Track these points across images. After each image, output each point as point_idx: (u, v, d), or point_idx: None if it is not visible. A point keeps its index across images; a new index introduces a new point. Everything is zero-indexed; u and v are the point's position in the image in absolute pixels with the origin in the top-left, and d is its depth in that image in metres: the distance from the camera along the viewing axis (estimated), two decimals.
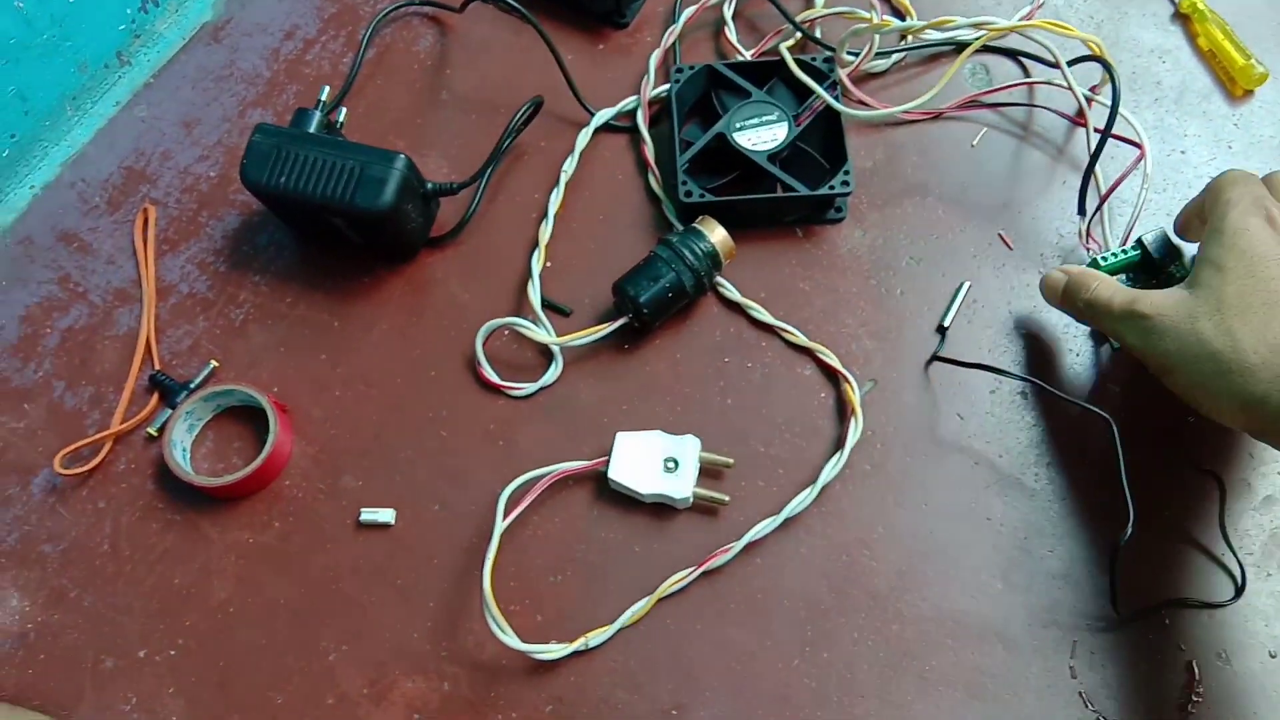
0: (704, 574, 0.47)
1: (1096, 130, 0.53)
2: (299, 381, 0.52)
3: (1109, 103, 0.52)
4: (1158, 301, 0.43)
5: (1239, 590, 0.46)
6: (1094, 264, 0.51)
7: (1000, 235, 0.55)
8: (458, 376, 0.52)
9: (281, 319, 0.54)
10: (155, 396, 0.52)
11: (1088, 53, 0.54)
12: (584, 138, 0.58)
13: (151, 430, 0.51)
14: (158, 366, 0.53)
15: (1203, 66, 0.59)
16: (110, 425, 0.51)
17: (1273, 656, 0.45)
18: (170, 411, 0.51)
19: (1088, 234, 0.52)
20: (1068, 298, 0.47)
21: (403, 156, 0.50)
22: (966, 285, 0.53)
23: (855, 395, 0.50)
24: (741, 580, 0.47)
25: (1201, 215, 0.46)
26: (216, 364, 0.53)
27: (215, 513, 0.49)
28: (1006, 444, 0.50)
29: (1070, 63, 0.54)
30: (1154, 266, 0.51)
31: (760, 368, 0.52)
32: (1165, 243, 0.51)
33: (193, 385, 0.52)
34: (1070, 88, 0.55)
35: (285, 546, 0.49)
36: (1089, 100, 0.56)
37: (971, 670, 0.45)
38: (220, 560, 0.48)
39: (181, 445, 0.50)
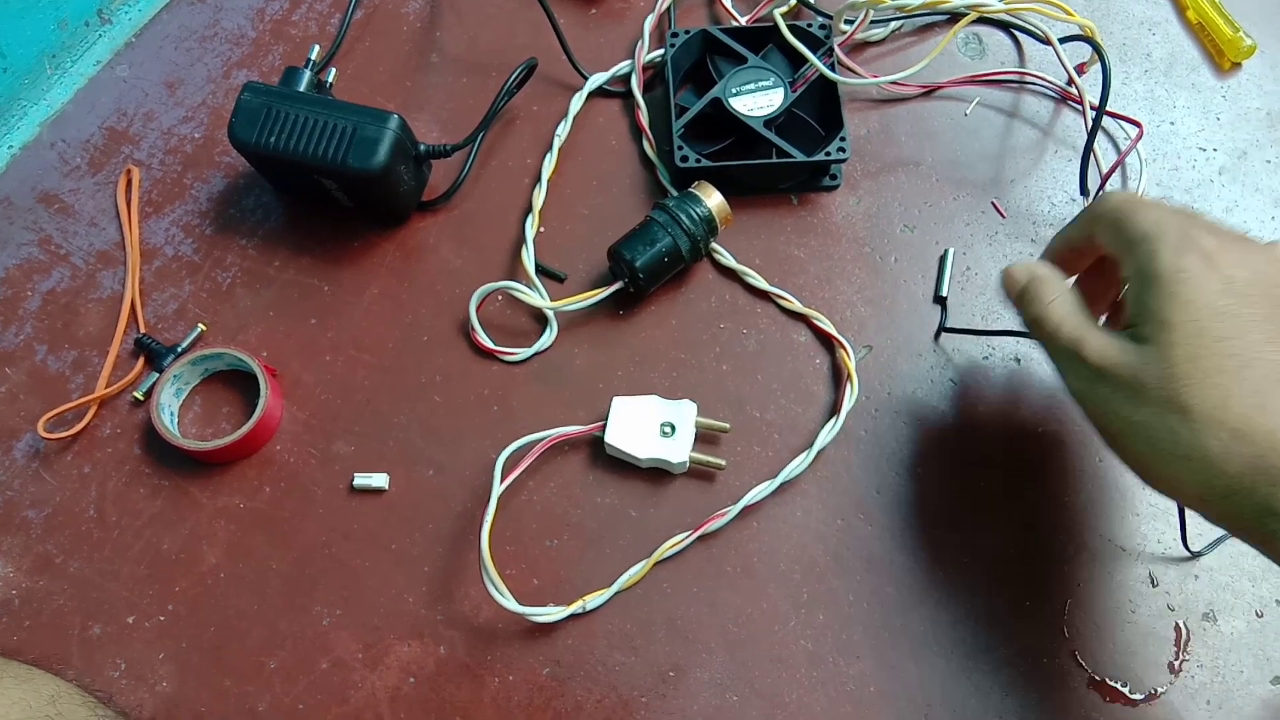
0: (700, 538, 0.47)
1: (1093, 108, 0.53)
2: (288, 346, 0.52)
3: (1099, 79, 0.52)
4: (1104, 348, 0.37)
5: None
6: None
7: (993, 204, 0.55)
8: (450, 342, 0.52)
9: (270, 283, 0.53)
10: (141, 360, 0.51)
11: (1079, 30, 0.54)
12: (577, 102, 0.57)
13: (137, 394, 0.50)
14: (143, 330, 0.52)
15: (1191, 39, 0.60)
16: (95, 389, 0.50)
17: (1259, 616, 0.46)
18: (156, 375, 0.50)
19: None
20: (1023, 301, 0.42)
21: (396, 116, 0.49)
22: (951, 252, 0.53)
23: (850, 361, 0.50)
24: (738, 544, 0.47)
25: (1085, 246, 0.41)
26: (204, 327, 0.52)
27: (204, 478, 0.49)
28: (1002, 409, 0.50)
29: (1063, 40, 0.54)
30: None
31: (755, 334, 0.52)
32: None
33: (180, 348, 0.51)
34: (1066, 70, 0.55)
35: (277, 512, 0.48)
36: (1079, 70, 0.56)
37: (966, 631, 0.46)
38: (210, 525, 0.48)
39: (169, 409, 0.49)
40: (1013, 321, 0.52)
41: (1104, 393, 0.37)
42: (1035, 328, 0.41)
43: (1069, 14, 0.53)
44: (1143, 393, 0.36)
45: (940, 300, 0.52)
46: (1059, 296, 0.40)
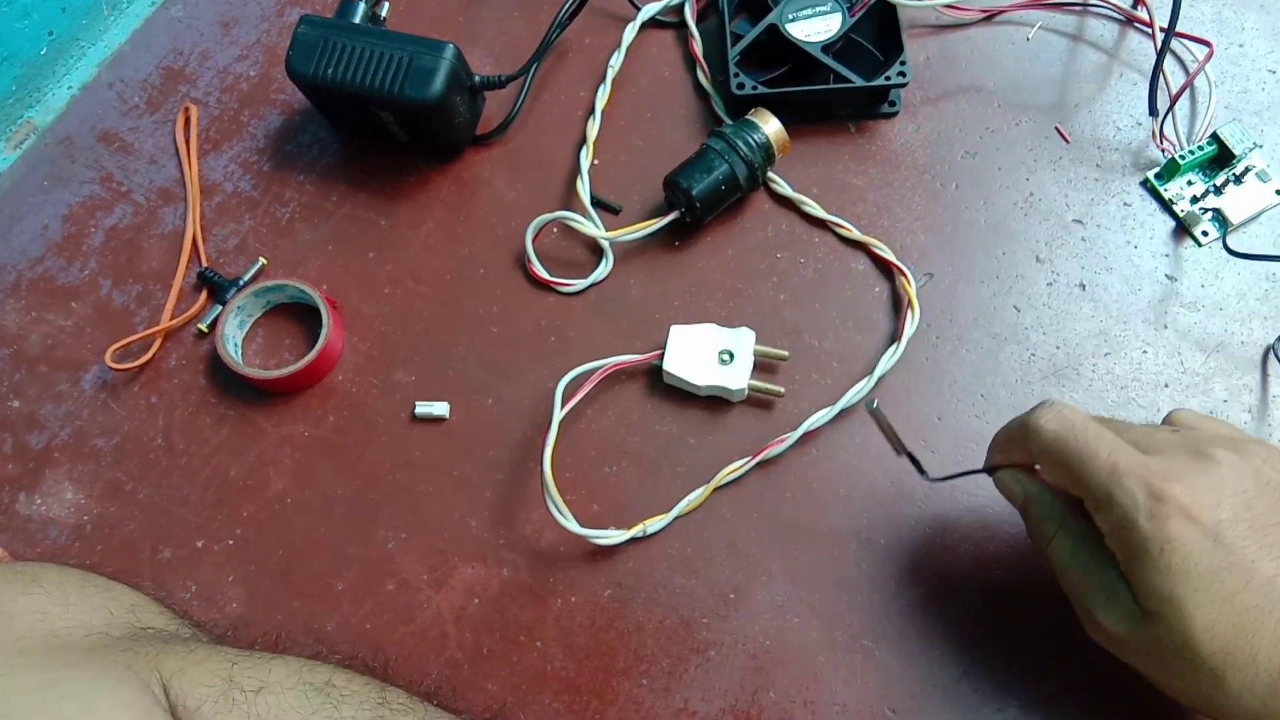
0: (760, 464, 0.47)
1: (1162, 29, 0.52)
2: (348, 279, 0.52)
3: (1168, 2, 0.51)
4: (1117, 625, 0.35)
5: None
6: (1171, 164, 0.51)
7: (1057, 129, 0.54)
8: (507, 274, 0.52)
9: (328, 217, 0.53)
10: (204, 293, 0.52)
11: None
12: (630, 33, 0.57)
13: (202, 326, 0.51)
14: (205, 264, 0.52)
15: None
16: (160, 322, 0.51)
17: None
18: (220, 308, 0.51)
19: (1161, 134, 0.51)
20: (1025, 520, 0.40)
21: (451, 46, 0.49)
22: (877, 401, 0.44)
23: (911, 288, 0.50)
24: (797, 470, 0.47)
25: (1022, 439, 0.38)
26: (265, 261, 0.52)
27: (269, 407, 0.49)
28: (1063, 336, 0.49)
29: None
30: (1228, 159, 0.51)
31: (813, 263, 0.52)
32: (1242, 136, 0.50)
33: (242, 281, 0.51)
34: None
35: (341, 439, 0.49)
36: (1136, 3, 0.54)
37: (1030, 555, 0.45)
38: (275, 453, 0.48)
39: (233, 340, 0.50)
40: (1064, 252, 0.51)
41: (1129, 657, 0.37)
42: (1042, 558, 0.39)
43: None
44: (1168, 665, 0.35)
45: (905, 454, 0.43)
46: (1055, 534, 0.38)
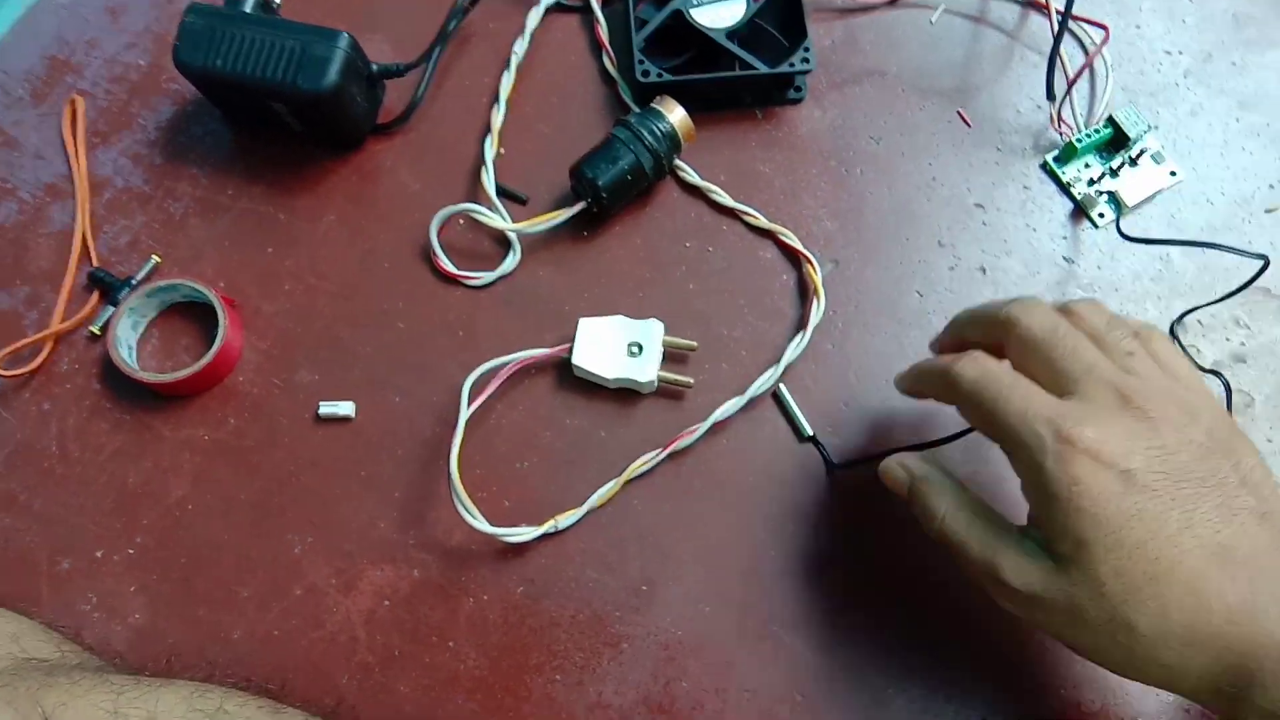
0: (670, 456, 0.47)
1: (1058, 13, 0.52)
2: (245, 276, 0.51)
3: None
4: (1025, 574, 0.35)
5: None
6: (1069, 147, 0.52)
7: (959, 113, 0.54)
8: (412, 267, 0.51)
9: (224, 212, 0.52)
10: (96, 294, 0.50)
11: None
12: (534, 18, 0.56)
13: (94, 329, 0.49)
14: (96, 263, 0.50)
15: None
16: (50, 324, 0.49)
17: None
18: (113, 309, 0.49)
19: (1059, 118, 0.52)
20: (913, 508, 0.40)
21: (346, 35, 0.48)
22: (784, 388, 0.48)
23: (817, 275, 0.50)
24: (707, 460, 0.48)
25: (943, 384, 0.39)
26: (158, 259, 0.50)
27: (166, 411, 0.48)
28: None
29: None
30: (1123, 142, 0.52)
31: (722, 251, 0.52)
32: (1136, 119, 0.51)
33: (135, 281, 0.50)
34: None
35: (242, 442, 0.47)
36: None
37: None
38: (175, 458, 0.47)
39: (127, 343, 0.48)
40: (966, 236, 0.52)
41: (1040, 616, 0.35)
42: (937, 542, 0.39)
43: None
44: (1081, 616, 0.34)
45: (811, 440, 0.48)
46: (949, 508, 0.38)
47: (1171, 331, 0.49)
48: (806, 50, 0.52)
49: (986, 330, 0.40)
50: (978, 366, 0.37)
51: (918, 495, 0.40)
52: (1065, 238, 0.52)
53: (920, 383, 0.43)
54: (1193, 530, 0.33)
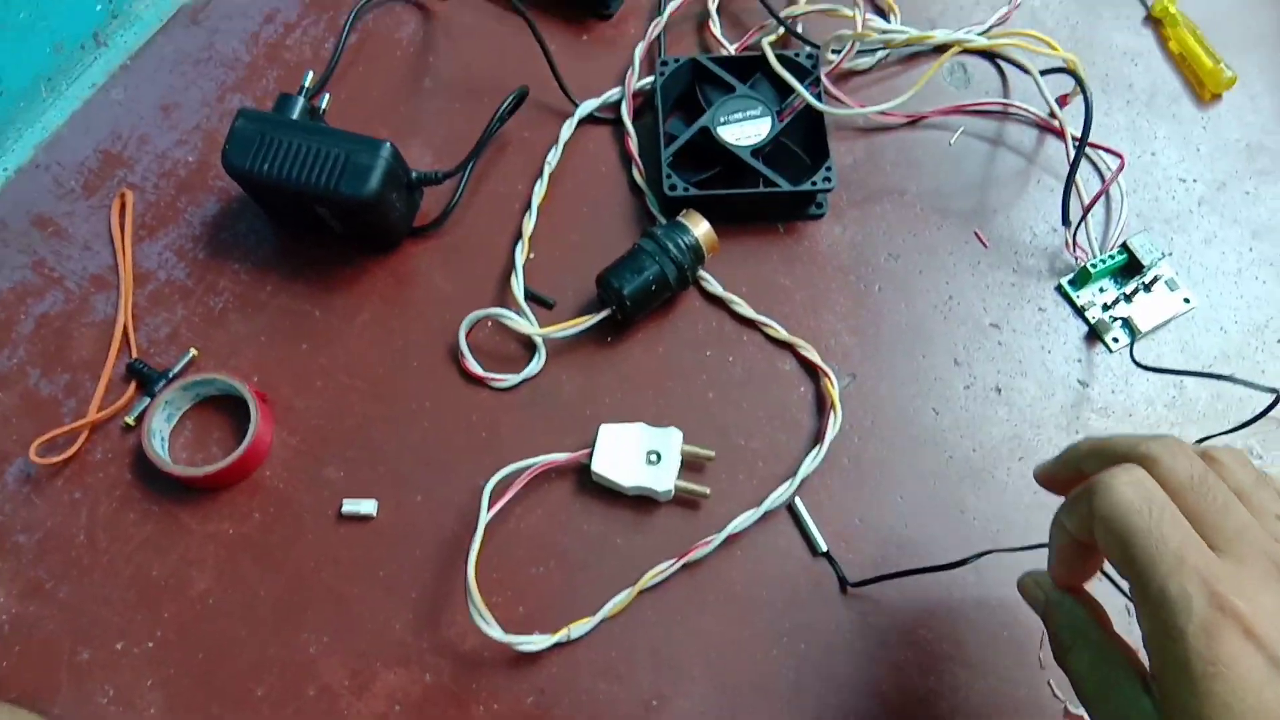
0: (685, 566, 0.48)
1: (1075, 139, 0.54)
2: (280, 372, 0.52)
3: (1082, 110, 0.53)
4: None
5: None
6: (1083, 272, 0.53)
7: (976, 234, 0.56)
8: (441, 368, 0.52)
9: (262, 308, 0.54)
10: (133, 385, 0.52)
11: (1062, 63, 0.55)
12: (568, 129, 0.58)
13: (129, 419, 0.50)
14: (135, 354, 0.52)
15: (1173, 69, 0.61)
16: (86, 414, 0.50)
17: None
18: (148, 400, 0.50)
19: (1074, 242, 0.54)
20: (1046, 626, 0.38)
21: (388, 144, 0.50)
22: (800, 501, 0.49)
23: (834, 390, 0.51)
24: (722, 572, 0.48)
25: (1088, 541, 0.34)
26: (196, 352, 0.52)
27: (194, 503, 0.49)
28: (979, 439, 0.51)
29: (1045, 72, 0.55)
30: (1137, 268, 0.53)
31: (742, 362, 0.53)
32: (1151, 246, 0.52)
33: (171, 374, 0.51)
34: (1047, 102, 0.56)
35: (266, 538, 0.48)
36: (1061, 103, 0.57)
37: (945, 660, 0.46)
38: (199, 551, 0.48)
39: (160, 434, 0.50)
40: (981, 356, 0.53)
41: None
42: (1061, 666, 0.37)
43: (1053, 47, 0.54)
44: None
45: (825, 556, 0.48)
46: (1076, 643, 0.36)
47: None
48: (829, 169, 0.54)
49: (1113, 465, 0.34)
50: (1141, 488, 0.32)
51: (1050, 620, 0.37)
52: (1080, 361, 0.53)
53: (1064, 473, 0.38)
54: None
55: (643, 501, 0.49)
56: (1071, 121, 0.56)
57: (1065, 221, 0.53)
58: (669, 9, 0.60)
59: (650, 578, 0.47)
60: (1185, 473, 0.33)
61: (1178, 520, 0.31)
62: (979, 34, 0.58)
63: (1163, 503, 0.32)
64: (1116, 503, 0.32)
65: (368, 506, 0.49)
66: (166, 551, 0.48)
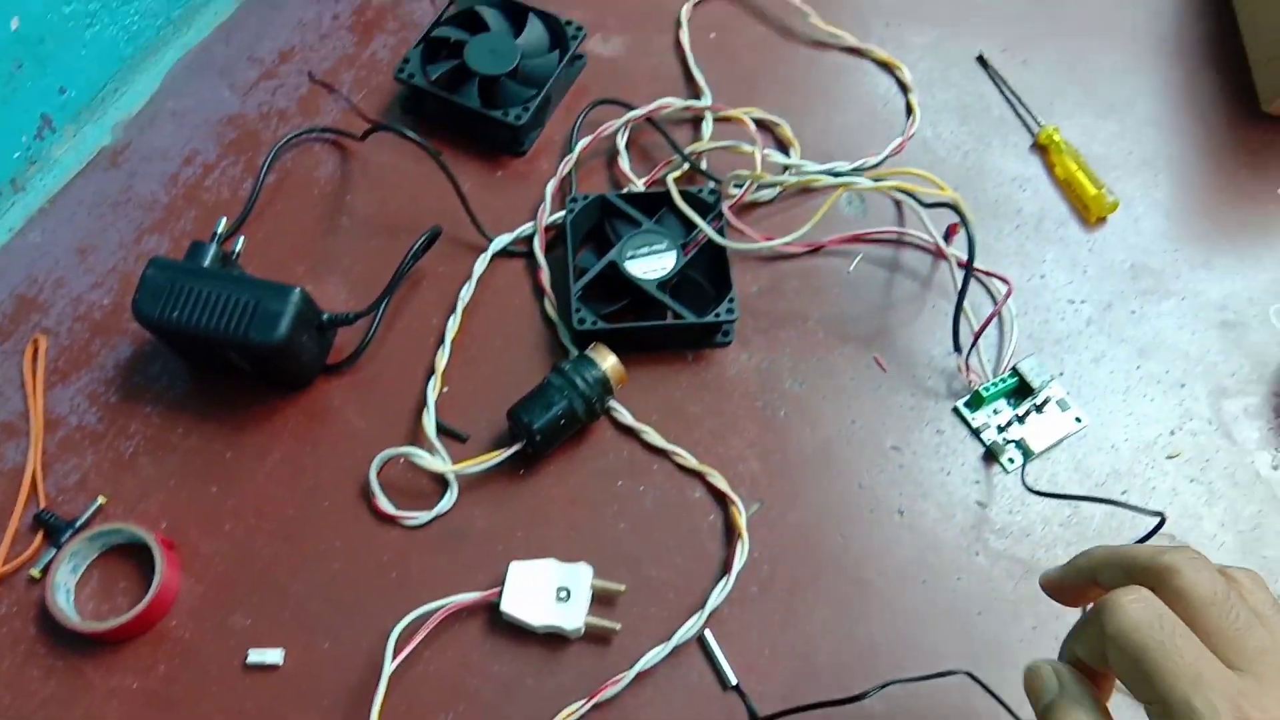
0: (595, 706, 0.48)
1: (961, 265, 0.57)
2: (189, 515, 0.52)
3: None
4: None
5: None
6: (976, 395, 0.55)
7: (876, 359, 0.58)
8: (352, 506, 0.53)
9: (173, 450, 0.54)
10: (40, 535, 0.51)
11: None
12: (481, 263, 0.59)
13: (34, 572, 0.50)
14: (43, 504, 0.52)
15: (1060, 195, 0.64)
16: None
17: None
18: (55, 551, 0.50)
19: (967, 366, 0.56)
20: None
21: (297, 290, 0.51)
22: (709, 633, 0.50)
23: (741, 518, 0.52)
24: (633, 710, 0.48)
25: (1098, 662, 0.34)
26: (104, 500, 0.52)
27: (99, 657, 0.49)
28: (884, 563, 0.52)
29: (931, 205, 0.57)
30: (1029, 390, 0.55)
31: (652, 491, 0.54)
32: (1039, 369, 0.55)
33: (79, 523, 0.51)
34: (929, 236, 0.59)
35: (170, 691, 0.48)
36: (949, 237, 0.59)
37: None
38: (102, 708, 0.47)
39: (65, 587, 0.49)
40: (884, 479, 0.54)
41: None
42: None
43: (939, 186, 0.57)
44: None
45: (735, 689, 0.49)
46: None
47: None
48: (731, 301, 0.56)
49: (1130, 576, 0.34)
50: (1150, 608, 0.32)
51: (1054, 713, 0.34)
52: (978, 482, 0.54)
53: (1074, 580, 0.38)
54: None
55: (553, 639, 0.50)
56: (962, 249, 0.58)
57: (956, 348, 0.56)
58: (579, 146, 0.63)
59: None
60: (1209, 588, 0.33)
61: (1190, 637, 0.32)
62: (872, 165, 0.61)
63: (1173, 620, 0.32)
64: (1128, 621, 0.32)
65: (273, 656, 0.48)
66: (70, 708, 0.47)
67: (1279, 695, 0.31)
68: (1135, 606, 0.32)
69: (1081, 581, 0.38)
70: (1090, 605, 0.36)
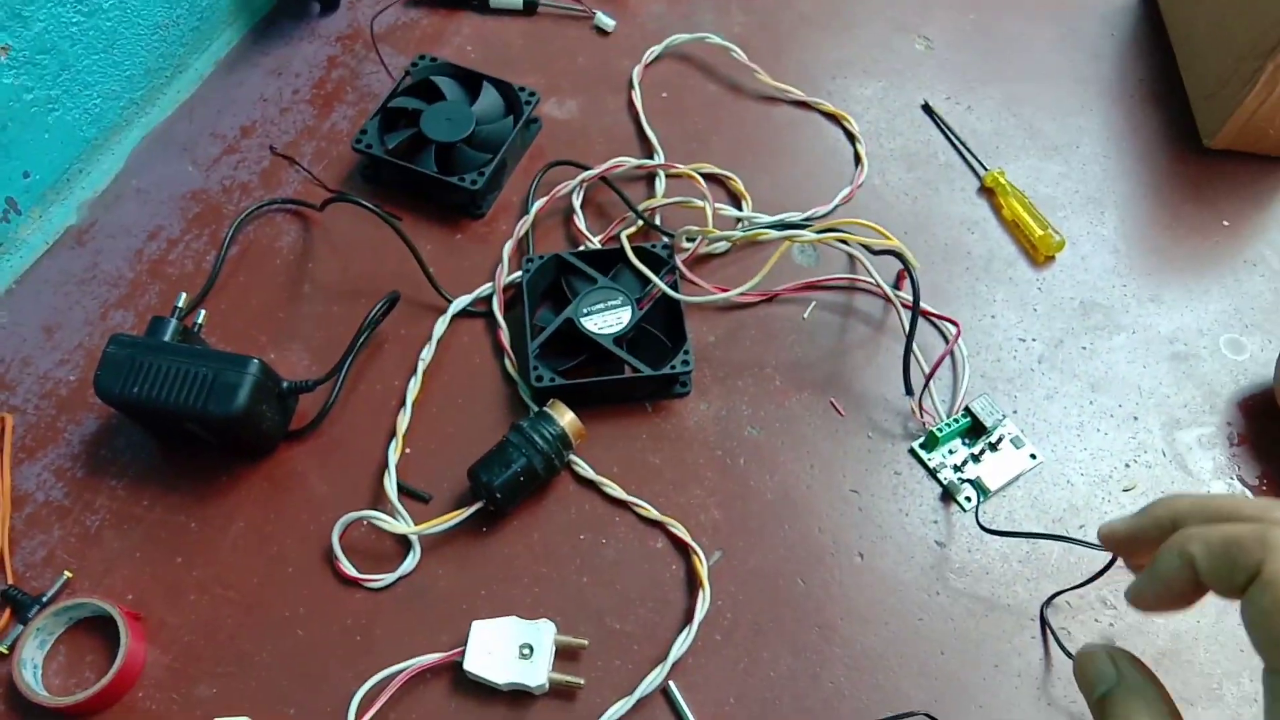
0: None
1: (907, 307, 0.58)
2: (154, 587, 0.53)
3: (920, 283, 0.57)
4: None
5: None
6: (931, 436, 0.56)
7: (832, 403, 0.59)
8: (315, 571, 0.53)
9: (138, 523, 0.54)
10: (7, 612, 0.51)
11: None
12: (441, 325, 0.61)
13: (2, 648, 0.50)
14: (10, 580, 0.52)
15: (1008, 236, 0.66)
16: None
17: None
18: (21, 628, 0.50)
19: (920, 408, 0.57)
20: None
21: (256, 361, 0.52)
22: (674, 685, 0.49)
23: (703, 568, 0.53)
24: None
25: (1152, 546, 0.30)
26: (70, 574, 0.52)
27: None
28: (845, 606, 0.52)
29: (878, 252, 0.59)
30: (982, 429, 0.56)
31: (615, 543, 0.54)
32: (991, 408, 0.56)
33: (45, 598, 0.51)
34: (877, 284, 0.60)
35: None
36: (899, 283, 0.61)
37: None
38: None
39: (32, 663, 0.49)
40: (846, 522, 0.55)
41: None
42: None
43: (883, 235, 0.58)
44: None
45: None
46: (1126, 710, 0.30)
47: (1042, 615, 0.52)
48: (686, 352, 0.57)
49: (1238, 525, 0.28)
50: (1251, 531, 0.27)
51: (1109, 708, 0.30)
52: (936, 521, 0.55)
53: (1152, 532, 0.31)
54: None
55: (518, 696, 0.50)
56: (908, 297, 0.60)
57: (908, 391, 0.57)
58: (535, 207, 0.64)
59: None
60: None
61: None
62: (823, 223, 0.62)
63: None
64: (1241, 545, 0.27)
65: None
66: None
67: None
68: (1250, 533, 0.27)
69: (1160, 532, 0.31)
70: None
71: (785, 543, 0.54)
